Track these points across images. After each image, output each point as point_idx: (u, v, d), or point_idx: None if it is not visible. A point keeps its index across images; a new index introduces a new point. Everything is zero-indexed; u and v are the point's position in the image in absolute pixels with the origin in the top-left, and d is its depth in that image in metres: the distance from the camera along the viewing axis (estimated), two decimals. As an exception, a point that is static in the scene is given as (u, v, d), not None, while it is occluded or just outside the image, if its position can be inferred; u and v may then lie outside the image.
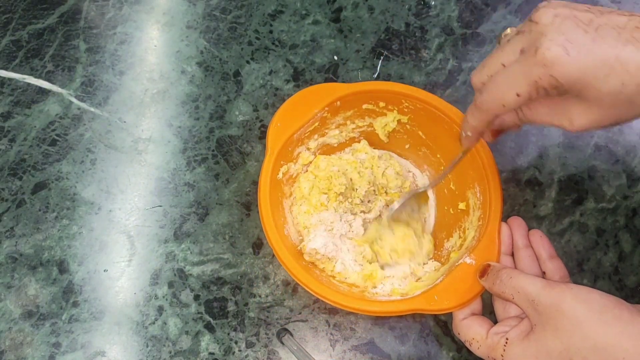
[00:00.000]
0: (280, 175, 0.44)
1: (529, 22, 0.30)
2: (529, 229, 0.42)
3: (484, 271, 0.39)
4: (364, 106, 0.47)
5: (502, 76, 0.31)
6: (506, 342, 0.35)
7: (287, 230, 0.43)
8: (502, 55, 0.32)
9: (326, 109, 0.45)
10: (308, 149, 0.47)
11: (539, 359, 0.33)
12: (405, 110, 0.46)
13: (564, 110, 0.31)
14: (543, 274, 0.40)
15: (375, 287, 0.43)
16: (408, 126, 0.48)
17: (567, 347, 0.32)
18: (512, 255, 0.42)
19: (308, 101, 0.44)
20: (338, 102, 0.45)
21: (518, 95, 0.30)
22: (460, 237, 0.44)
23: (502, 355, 0.35)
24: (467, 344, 0.39)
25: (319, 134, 0.47)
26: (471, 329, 0.38)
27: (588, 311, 0.32)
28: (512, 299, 0.36)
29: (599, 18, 0.29)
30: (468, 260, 0.40)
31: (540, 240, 0.41)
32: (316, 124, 0.46)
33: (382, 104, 0.46)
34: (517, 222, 0.42)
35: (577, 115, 0.31)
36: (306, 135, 0.46)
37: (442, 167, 0.48)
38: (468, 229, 0.44)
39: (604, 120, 0.30)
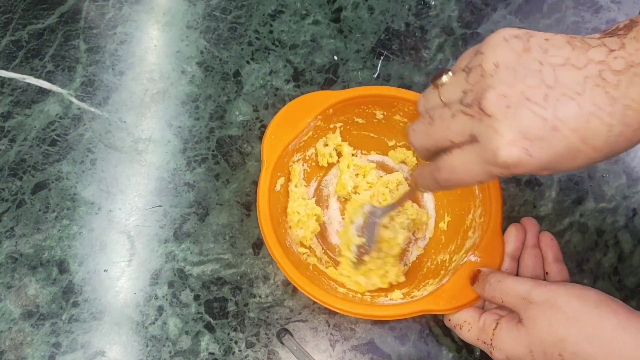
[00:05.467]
0: (278, 187, 0.44)
1: (478, 110, 0.26)
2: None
3: (474, 277, 0.39)
4: (356, 111, 0.46)
5: (459, 162, 0.29)
6: (496, 326, 0.36)
7: (288, 242, 0.43)
8: (449, 133, 0.29)
9: (319, 117, 0.45)
10: (304, 159, 0.47)
11: (530, 348, 0.33)
12: (400, 113, 0.46)
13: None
14: (546, 274, 0.40)
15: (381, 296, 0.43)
16: (401, 125, 0.48)
17: (562, 338, 0.32)
18: (518, 259, 0.42)
19: (301, 111, 0.44)
20: (330, 110, 0.45)
21: (478, 181, 0.29)
22: (462, 236, 0.44)
23: (491, 339, 0.36)
24: (457, 329, 0.39)
25: (313, 143, 0.47)
26: (464, 313, 0.39)
27: (584, 305, 0.32)
28: (501, 302, 0.36)
29: (552, 88, 0.25)
30: (473, 257, 0.40)
31: (549, 242, 0.41)
32: (310, 133, 0.46)
33: (374, 109, 0.46)
34: (530, 222, 0.42)
35: (545, 172, 0.29)
36: (301, 145, 0.46)
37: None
38: (470, 227, 0.44)
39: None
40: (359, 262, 0.43)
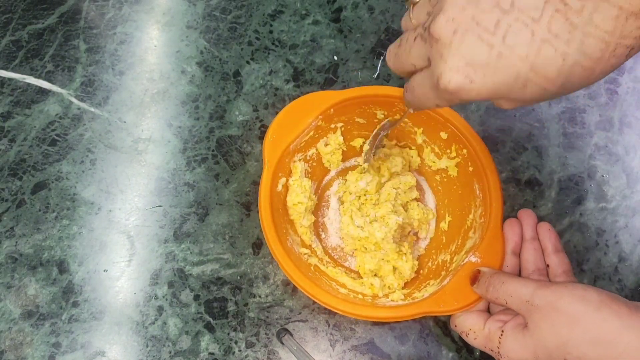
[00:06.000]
0: (279, 187, 0.44)
1: (428, 34, 0.26)
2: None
3: (474, 278, 0.39)
4: (357, 111, 0.47)
5: (417, 85, 0.29)
6: (502, 334, 0.36)
7: (290, 242, 0.43)
8: (410, 58, 0.29)
9: (320, 117, 0.45)
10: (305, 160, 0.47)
11: (536, 353, 0.33)
12: (401, 113, 0.46)
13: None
14: (547, 267, 0.40)
15: (383, 296, 0.43)
16: (402, 125, 0.48)
17: (565, 341, 0.32)
18: (519, 254, 0.42)
19: (301, 111, 0.44)
20: (331, 110, 0.45)
21: (436, 104, 0.29)
22: (462, 236, 0.44)
23: (498, 347, 0.36)
24: (463, 335, 0.39)
25: (314, 144, 0.47)
26: (468, 320, 0.39)
27: (586, 307, 0.32)
28: (505, 303, 0.36)
29: (507, 13, 0.24)
30: (473, 258, 0.40)
31: (548, 233, 0.41)
32: (311, 133, 0.46)
33: (374, 109, 0.46)
34: (526, 214, 0.42)
35: (502, 104, 0.28)
36: (302, 145, 0.46)
37: (434, 164, 0.48)
38: (470, 227, 0.44)
39: (532, 104, 0.28)
40: (367, 160, 0.45)
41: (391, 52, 0.32)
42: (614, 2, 0.22)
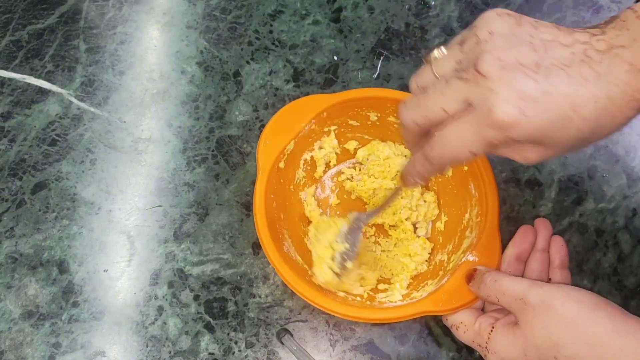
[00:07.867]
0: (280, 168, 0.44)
1: (474, 72, 0.27)
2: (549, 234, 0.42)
3: (470, 276, 0.39)
4: (350, 114, 0.46)
5: (453, 133, 0.29)
6: (492, 330, 0.36)
7: (286, 247, 0.43)
8: (442, 100, 0.29)
9: (313, 121, 0.45)
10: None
11: (526, 351, 0.33)
12: (394, 115, 0.46)
13: (519, 149, 0.29)
14: (548, 280, 0.40)
15: (382, 294, 0.43)
16: (395, 126, 0.48)
17: (557, 341, 0.32)
18: (524, 262, 0.42)
19: (294, 115, 0.44)
20: (325, 113, 0.45)
21: (473, 153, 0.29)
22: (459, 236, 0.44)
23: (486, 343, 0.36)
24: (453, 329, 0.39)
25: (308, 148, 0.47)
26: (460, 314, 0.39)
27: (580, 308, 0.32)
28: (497, 301, 0.36)
29: (543, 58, 0.27)
30: (471, 257, 0.40)
31: (559, 247, 0.41)
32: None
33: (368, 112, 0.46)
34: (544, 225, 0.42)
35: (533, 153, 0.29)
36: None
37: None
38: (467, 226, 0.44)
39: (557, 154, 0.29)
40: (342, 270, 0.41)
41: (407, 104, 0.31)
42: (625, 59, 0.26)
